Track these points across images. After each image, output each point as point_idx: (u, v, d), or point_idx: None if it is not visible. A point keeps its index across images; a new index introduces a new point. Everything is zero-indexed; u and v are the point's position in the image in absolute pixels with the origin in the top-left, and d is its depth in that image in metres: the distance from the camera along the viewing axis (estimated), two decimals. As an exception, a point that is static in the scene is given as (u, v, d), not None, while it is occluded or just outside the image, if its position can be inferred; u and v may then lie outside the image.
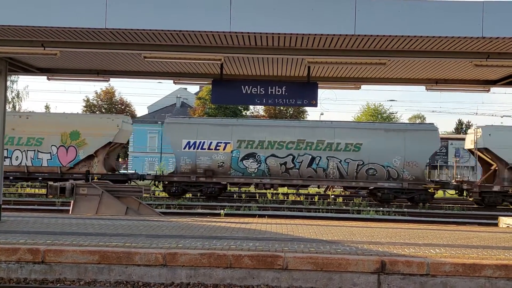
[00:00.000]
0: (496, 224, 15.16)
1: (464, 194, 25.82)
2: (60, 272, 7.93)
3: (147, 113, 69.02)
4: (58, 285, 7.70)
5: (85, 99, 54.04)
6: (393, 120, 51.99)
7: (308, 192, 30.70)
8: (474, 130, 25.86)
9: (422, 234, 10.81)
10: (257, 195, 27.18)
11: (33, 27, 8.74)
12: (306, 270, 7.80)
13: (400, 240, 9.86)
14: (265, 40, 9.31)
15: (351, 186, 25.20)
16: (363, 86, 13.17)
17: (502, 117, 74.30)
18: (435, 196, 26.73)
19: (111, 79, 13.54)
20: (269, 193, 28.13)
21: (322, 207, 22.08)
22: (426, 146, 24.64)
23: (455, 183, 26.48)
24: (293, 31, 8.63)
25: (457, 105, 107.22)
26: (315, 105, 11.38)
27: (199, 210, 20.14)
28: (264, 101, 11.38)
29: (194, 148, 24.84)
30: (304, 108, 47.63)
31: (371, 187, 24.98)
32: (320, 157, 24.63)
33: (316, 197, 26.27)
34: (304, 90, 11.25)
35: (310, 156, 24.64)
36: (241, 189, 28.53)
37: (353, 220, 16.37)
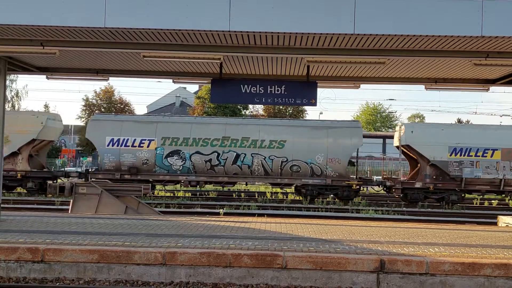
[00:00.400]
0: (495, 223, 15.18)
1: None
2: (59, 271, 7.93)
3: (146, 112, 69.11)
4: (58, 284, 7.70)
5: (84, 98, 54.00)
6: (393, 119, 52.01)
7: (238, 189, 30.49)
8: (399, 127, 25.97)
9: (421, 233, 10.82)
10: (257, 194, 27.19)
11: (32, 26, 8.74)
12: (305, 269, 7.81)
13: (399, 239, 9.86)
14: (264, 39, 9.31)
15: (276, 183, 25.18)
16: (362, 85, 13.19)
17: (501, 116, 74.43)
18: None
19: (110, 78, 13.55)
20: (268, 192, 28.15)
21: (322, 206, 22.08)
22: (349, 143, 24.72)
23: (382, 179, 26.56)
24: (293, 30, 8.63)
25: (456, 104, 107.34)
26: (315, 104, 11.39)
27: (198, 209, 20.14)
28: (263, 100, 11.39)
29: (118, 145, 24.62)
30: (303, 107, 47.65)
31: (298, 184, 25.01)
32: (245, 154, 24.56)
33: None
34: (304, 89, 11.26)
35: (235, 153, 24.58)
36: (166, 187, 28.42)
37: (352, 219, 16.37)
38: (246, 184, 28.98)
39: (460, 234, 10.84)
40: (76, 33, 9.16)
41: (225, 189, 28.03)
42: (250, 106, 46.93)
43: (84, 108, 53.86)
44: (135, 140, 24.68)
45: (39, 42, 9.69)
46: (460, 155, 23.86)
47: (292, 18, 8.55)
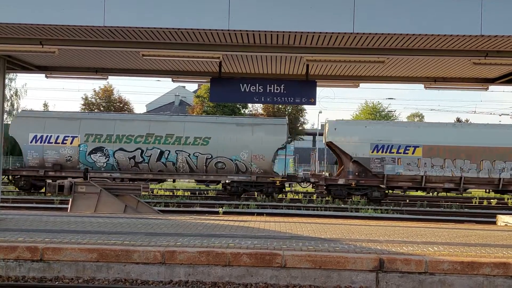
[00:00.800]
0: (494, 222, 15.19)
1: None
2: (58, 270, 7.92)
3: (145, 111, 69.06)
4: (57, 283, 7.69)
5: (84, 97, 53.86)
6: (392, 118, 51.99)
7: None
8: (325, 124, 26.18)
9: (421, 232, 10.82)
10: (256, 193, 27.21)
11: (31, 24, 8.73)
12: (304, 268, 7.80)
13: (398, 238, 9.87)
14: (263, 38, 9.30)
15: (202, 180, 25.37)
16: (361, 85, 13.18)
17: (500, 115, 74.27)
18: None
19: (109, 77, 13.55)
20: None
21: (321, 205, 22.10)
22: (273, 140, 24.88)
23: (311, 176, 26.76)
24: (292, 29, 8.63)
25: (455, 103, 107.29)
26: (314, 103, 11.39)
27: (198, 208, 20.15)
28: (262, 99, 11.38)
29: (41, 142, 24.65)
30: (302, 106, 47.59)
31: (224, 181, 25.18)
32: (169, 151, 24.68)
33: (314, 196, 26.27)
34: (303, 88, 11.26)
35: (159, 150, 24.67)
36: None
37: (351, 218, 16.39)
38: (174, 181, 29.17)
39: (459, 233, 10.85)
40: (75, 32, 9.15)
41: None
42: (249, 105, 46.88)
43: (84, 107, 53.79)
44: (58, 136, 24.70)
45: (38, 40, 9.68)
46: (382, 152, 24.17)
47: (291, 17, 8.54)
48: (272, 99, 11.33)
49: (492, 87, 12.65)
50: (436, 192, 25.85)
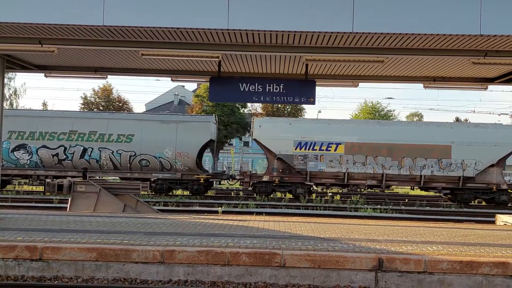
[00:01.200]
0: (493, 222, 15.20)
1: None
2: (57, 269, 7.92)
3: (144, 110, 69.02)
4: (56, 282, 7.69)
5: (83, 96, 53.84)
6: (391, 118, 51.97)
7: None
8: (252, 122, 26.38)
9: (420, 231, 10.83)
10: (255, 193, 27.20)
11: (30, 24, 8.72)
12: (303, 268, 7.81)
13: (397, 237, 9.87)
14: (263, 38, 9.30)
15: (126, 177, 25.28)
16: (361, 84, 13.18)
17: (499, 115, 74.28)
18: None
19: (108, 76, 13.54)
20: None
21: (320, 205, 22.09)
22: (197, 137, 24.99)
23: (238, 174, 26.95)
24: (291, 28, 8.63)
25: (454, 103, 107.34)
26: (313, 102, 11.38)
27: (197, 208, 20.14)
28: (261, 99, 11.38)
29: None
30: (302, 105, 47.60)
31: (150, 178, 25.18)
32: (92, 148, 24.69)
33: (314, 195, 26.29)
34: (302, 88, 11.25)
35: (82, 147, 24.70)
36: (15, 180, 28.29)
37: (350, 218, 16.39)
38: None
39: (458, 232, 10.86)
40: (74, 31, 9.14)
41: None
42: (249, 104, 46.88)
43: (83, 106, 53.76)
44: None
45: (37, 40, 9.67)
46: (305, 149, 24.43)
47: (290, 16, 8.54)
48: (271, 98, 11.32)
49: (491, 87, 12.67)
50: (359, 189, 26.13)
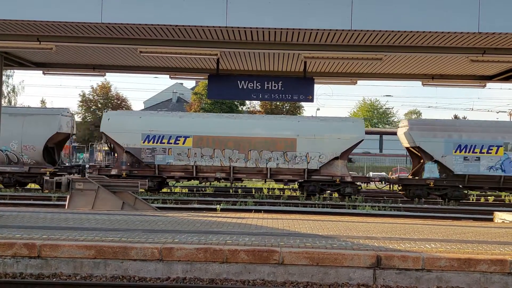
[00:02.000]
0: (491, 219, 15.23)
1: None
2: (56, 266, 7.92)
3: (143, 108, 68.97)
4: (54, 280, 7.69)
5: (81, 94, 53.79)
6: (389, 116, 51.99)
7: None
8: (102, 115, 26.37)
9: (418, 229, 10.84)
10: (253, 190, 27.23)
11: (28, 21, 8.71)
12: (302, 265, 7.82)
13: (395, 235, 9.89)
14: (261, 35, 9.30)
15: None
16: (359, 82, 13.19)
17: (497, 112, 74.43)
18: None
19: (107, 74, 13.52)
20: (265, 188, 28.16)
21: (318, 202, 22.11)
22: (43, 130, 24.85)
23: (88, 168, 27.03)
24: (289, 26, 8.63)
25: (453, 100, 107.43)
26: (312, 100, 11.39)
27: (195, 205, 20.15)
28: (260, 96, 11.38)
29: None
30: (300, 103, 47.61)
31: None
32: None
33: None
34: (301, 85, 11.25)
35: None
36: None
37: (349, 215, 16.40)
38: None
39: (456, 230, 10.87)
40: (72, 28, 9.13)
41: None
42: (247, 102, 46.90)
43: (81, 104, 53.71)
44: None
45: (36, 37, 9.66)
46: (153, 142, 24.43)
47: (289, 14, 8.53)
48: (270, 96, 11.32)
49: (489, 84, 12.69)
50: (209, 182, 26.26)
